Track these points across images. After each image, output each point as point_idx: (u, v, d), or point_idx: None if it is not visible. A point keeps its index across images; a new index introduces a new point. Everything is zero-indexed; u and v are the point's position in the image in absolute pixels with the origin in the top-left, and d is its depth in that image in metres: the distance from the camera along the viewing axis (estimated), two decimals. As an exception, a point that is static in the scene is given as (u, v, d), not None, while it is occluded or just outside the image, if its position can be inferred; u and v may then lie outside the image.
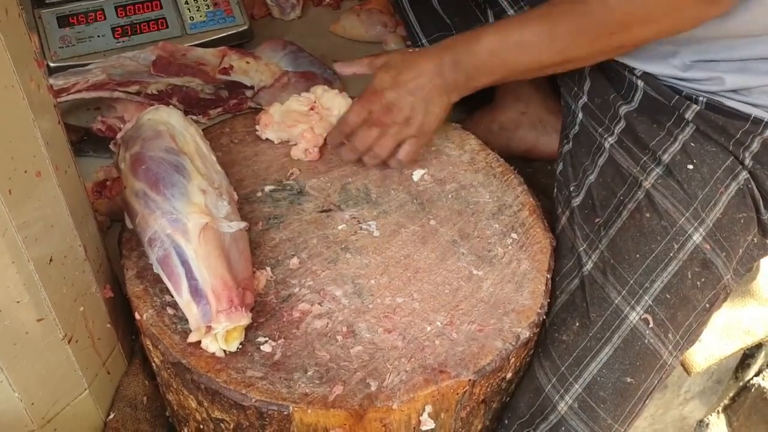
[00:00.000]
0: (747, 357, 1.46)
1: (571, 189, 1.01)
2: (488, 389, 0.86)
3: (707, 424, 1.55)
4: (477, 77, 0.94)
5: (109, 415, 0.95)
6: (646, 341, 0.89)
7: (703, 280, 0.91)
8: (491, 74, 0.94)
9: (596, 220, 0.96)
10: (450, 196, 1.01)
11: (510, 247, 0.95)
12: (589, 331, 0.91)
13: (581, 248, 0.95)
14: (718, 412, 1.57)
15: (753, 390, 1.51)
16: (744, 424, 1.53)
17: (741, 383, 1.53)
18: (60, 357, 0.83)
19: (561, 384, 0.91)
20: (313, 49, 1.46)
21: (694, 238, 0.90)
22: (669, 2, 0.83)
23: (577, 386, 0.90)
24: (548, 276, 0.92)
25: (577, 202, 1.00)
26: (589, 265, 0.94)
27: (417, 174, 1.03)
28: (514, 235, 0.96)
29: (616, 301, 0.90)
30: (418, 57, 0.97)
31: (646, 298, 0.90)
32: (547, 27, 0.89)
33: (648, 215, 0.92)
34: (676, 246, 0.90)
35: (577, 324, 0.91)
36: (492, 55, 0.92)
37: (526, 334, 0.85)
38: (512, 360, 0.85)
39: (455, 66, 0.94)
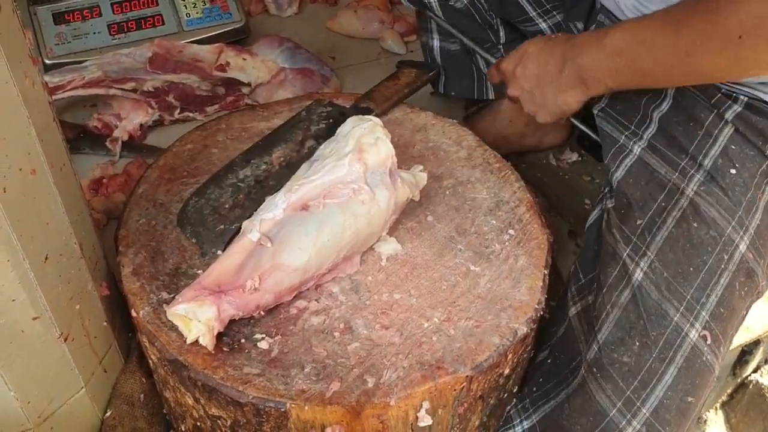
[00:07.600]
0: (745, 353, 1.46)
1: (606, 191, 1.00)
2: (486, 385, 0.86)
3: (705, 421, 1.55)
4: (601, 79, 0.92)
5: (106, 412, 0.94)
6: (704, 358, 0.86)
7: (746, 289, 0.89)
8: (616, 77, 0.90)
9: (637, 222, 0.92)
10: (447, 192, 1.01)
11: (507, 243, 0.94)
12: (651, 351, 0.86)
13: (625, 253, 0.91)
14: (716, 408, 1.57)
15: (751, 386, 1.51)
16: (742, 420, 1.53)
17: (739, 380, 1.53)
18: (56, 355, 0.83)
19: (627, 409, 0.86)
20: (310, 45, 1.46)
21: (740, 247, 0.88)
22: None
23: (644, 410, 0.86)
24: (545, 272, 0.92)
25: (611, 203, 0.97)
26: (638, 275, 0.89)
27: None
28: (511, 231, 0.96)
29: (675, 319, 0.86)
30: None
31: (704, 314, 0.86)
32: (672, 28, 0.82)
33: (695, 225, 0.88)
34: (726, 257, 0.87)
35: (638, 344, 0.87)
36: (617, 55, 0.88)
37: (523, 330, 0.85)
38: (510, 356, 0.85)
39: (576, 67, 0.93)
